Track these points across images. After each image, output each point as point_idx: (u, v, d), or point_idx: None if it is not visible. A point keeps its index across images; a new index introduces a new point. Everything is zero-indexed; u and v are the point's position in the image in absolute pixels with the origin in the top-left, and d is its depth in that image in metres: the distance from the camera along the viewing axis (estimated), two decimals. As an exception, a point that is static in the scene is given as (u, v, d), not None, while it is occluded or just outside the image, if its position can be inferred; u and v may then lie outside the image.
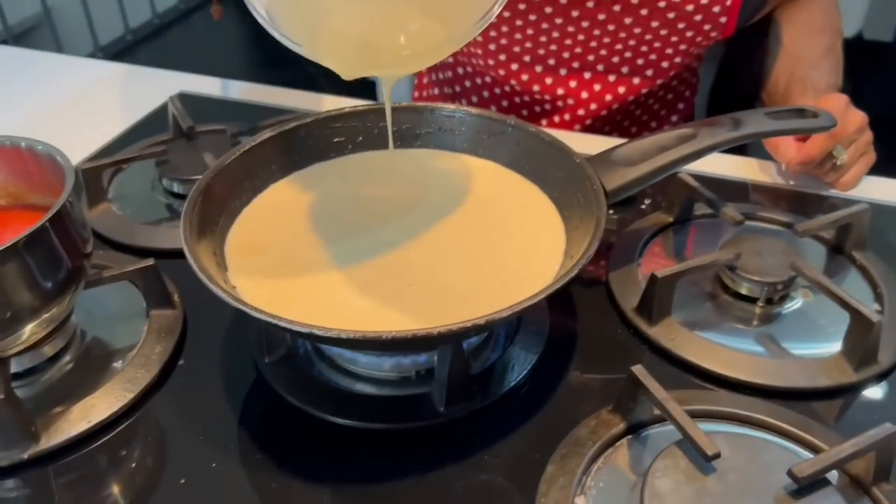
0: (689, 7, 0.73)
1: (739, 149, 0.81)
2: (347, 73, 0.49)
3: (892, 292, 0.56)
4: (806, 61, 0.79)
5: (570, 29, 0.77)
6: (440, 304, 0.47)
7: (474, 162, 0.59)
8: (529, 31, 0.78)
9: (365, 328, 0.40)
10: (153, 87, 0.89)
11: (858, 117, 0.68)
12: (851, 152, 0.68)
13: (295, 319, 0.40)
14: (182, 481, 0.45)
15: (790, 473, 0.40)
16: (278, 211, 0.55)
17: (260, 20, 0.47)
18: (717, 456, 0.41)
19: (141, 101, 0.86)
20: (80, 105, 0.88)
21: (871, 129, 0.70)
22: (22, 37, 2.74)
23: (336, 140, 0.60)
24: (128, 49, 3.05)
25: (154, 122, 0.82)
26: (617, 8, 0.75)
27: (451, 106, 0.60)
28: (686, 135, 0.54)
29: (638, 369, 0.45)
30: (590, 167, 0.52)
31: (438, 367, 0.47)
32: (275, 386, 0.50)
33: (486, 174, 0.58)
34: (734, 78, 0.99)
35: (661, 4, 0.74)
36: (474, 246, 0.52)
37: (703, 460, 0.41)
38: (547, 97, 0.84)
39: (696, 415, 0.46)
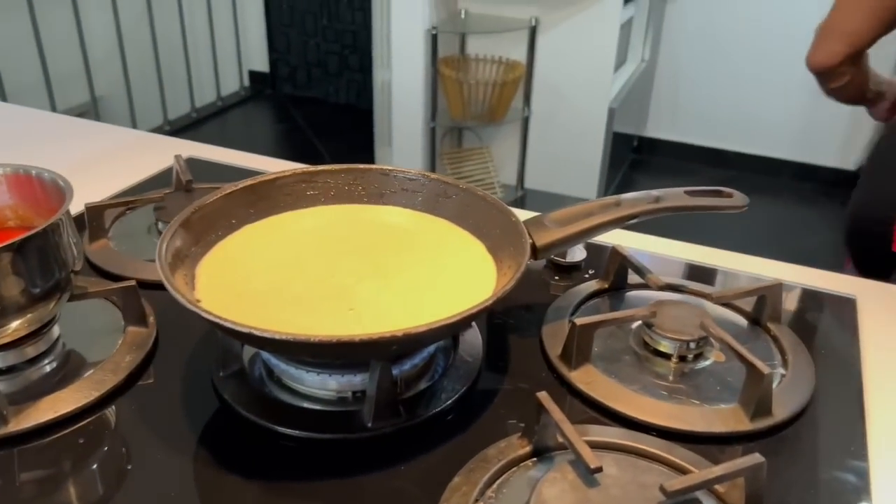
0: None
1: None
2: None
3: (797, 361, 0.61)
4: None
5: None
6: (373, 326, 0.53)
7: (428, 218, 0.66)
8: None
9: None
10: (173, 153, 0.99)
11: None
12: None
13: (237, 321, 0.47)
14: (129, 467, 0.51)
15: (661, 488, 0.44)
16: (249, 246, 0.62)
17: None
18: (599, 469, 0.45)
19: (159, 163, 0.96)
20: (108, 163, 0.98)
21: None
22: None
23: (310, 193, 0.68)
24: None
25: (164, 178, 0.91)
26: None
27: (413, 171, 0.68)
28: (610, 203, 0.61)
29: (542, 395, 0.50)
30: (522, 225, 0.60)
31: (368, 384, 0.53)
32: (225, 395, 0.56)
33: (436, 228, 0.65)
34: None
35: None
36: (415, 284, 0.59)
37: (588, 474, 0.46)
38: None
39: (594, 445, 0.51)
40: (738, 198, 0.63)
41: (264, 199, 0.66)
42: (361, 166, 0.69)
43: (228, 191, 0.64)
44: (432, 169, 2.74)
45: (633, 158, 3.35)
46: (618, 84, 2.74)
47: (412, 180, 0.68)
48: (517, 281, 0.53)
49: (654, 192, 0.63)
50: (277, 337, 0.46)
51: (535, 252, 0.59)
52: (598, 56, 2.54)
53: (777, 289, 0.65)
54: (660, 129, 3.35)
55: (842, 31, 0.98)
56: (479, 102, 2.58)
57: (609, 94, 2.59)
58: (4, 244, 0.51)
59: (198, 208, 0.61)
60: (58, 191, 0.59)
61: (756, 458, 0.46)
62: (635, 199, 0.62)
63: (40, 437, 0.53)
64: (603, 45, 2.52)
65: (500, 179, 2.79)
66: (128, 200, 0.77)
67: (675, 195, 0.63)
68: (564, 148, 2.70)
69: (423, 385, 0.57)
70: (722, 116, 3.21)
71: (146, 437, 0.54)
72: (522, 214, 0.63)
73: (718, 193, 0.64)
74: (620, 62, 2.79)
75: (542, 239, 0.60)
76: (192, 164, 0.89)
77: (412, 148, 2.73)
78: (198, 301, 0.55)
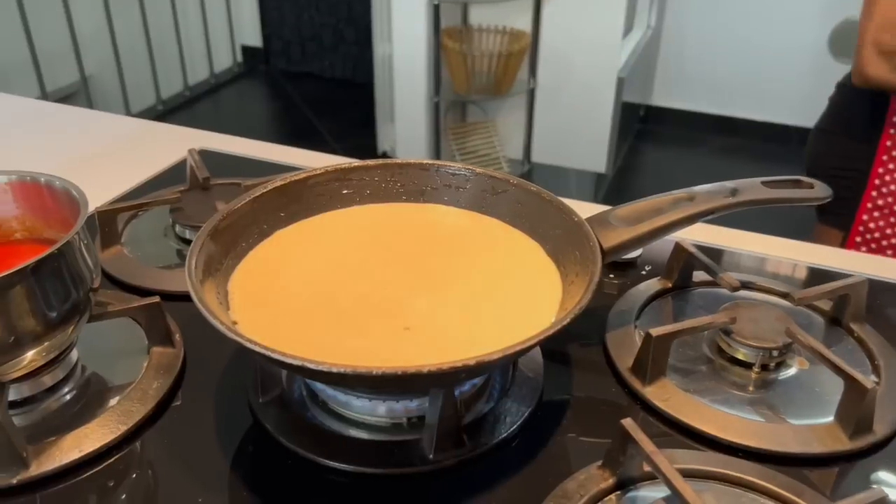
0: None
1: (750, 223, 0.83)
2: None
3: (888, 365, 0.56)
4: None
5: None
6: (434, 348, 0.48)
7: (477, 217, 0.60)
8: None
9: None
10: (178, 143, 0.92)
11: None
12: None
13: (286, 352, 0.41)
14: (166, 514, 0.45)
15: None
16: (284, 254, 0.56)
17: None
18: (704, 511, 0.40)
19: (166, 155, 0.90)
20: (110, 157, 0.92)
21: None
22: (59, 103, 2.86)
23: (345, 192, 0.62)
24: (158, 118, 3.16)
25: (175, 174, 0.85)
26: None
27: (457, 164, 0.62)
28: (683, 198, 0.56)
29: (628, 422, 0.45)
30: (587, 225, 0.54)
31: (429, 412, 0.47)
32: (266, 424, 0.50)
33: (488, 229, 0.59)
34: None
35: None
36: (472, 296, 0.53)
37: (690, 516, 0.41)
38: None
39: (686, 474, 0.46)
40: (819, 188, 0.58)
41: (296, 202, 0.60)
42: (399, 161, 0.63)
43: (257, 193, 0.58)
44: (437, 144, 2.66)
45: (640, 128, 3.27)
46: (625, 52, 2.65)
47: (455, 175, 0.62)
48: (593, 293, 0.47)
49: (729, 185, 0.57)
50: (335, 370, 0.40)
51: (604, 256, 0.53)
52: (605, 23, 2.45)
53: (862, 286, 0.59)
54: (666, 97, 3.27)
55: None
56: (483, 75, 2.50)
57: (618, 62, 2.51)
58: (15, 269, 0.44)
59: (225, 215, 0.55)
60: (70, 199, 0.53)
61: (878, 492, 0.41)
62: (710, 192, 0.56)
63: (65, 479, 0.48)
64: (610, 11, 2.43)
65: (505, 154, 2.72)
66: (142, 203, 0.70)
67: (752, 187, 0.57)
68: (572, 120, 2.63)
69: (483, 408, 0.52)
70: (729, 82, 3.13)
71: (179, 474, 0.48)
72: (582, 211, 0.57)
73: (798, 184, 0.58)
74: (627, 29, 2.70)
75: (610, 240, 0.54)
76: (204, 156, 0.82)
77: (415, 123, 2.65)
78: (234, 323, 0.49)
